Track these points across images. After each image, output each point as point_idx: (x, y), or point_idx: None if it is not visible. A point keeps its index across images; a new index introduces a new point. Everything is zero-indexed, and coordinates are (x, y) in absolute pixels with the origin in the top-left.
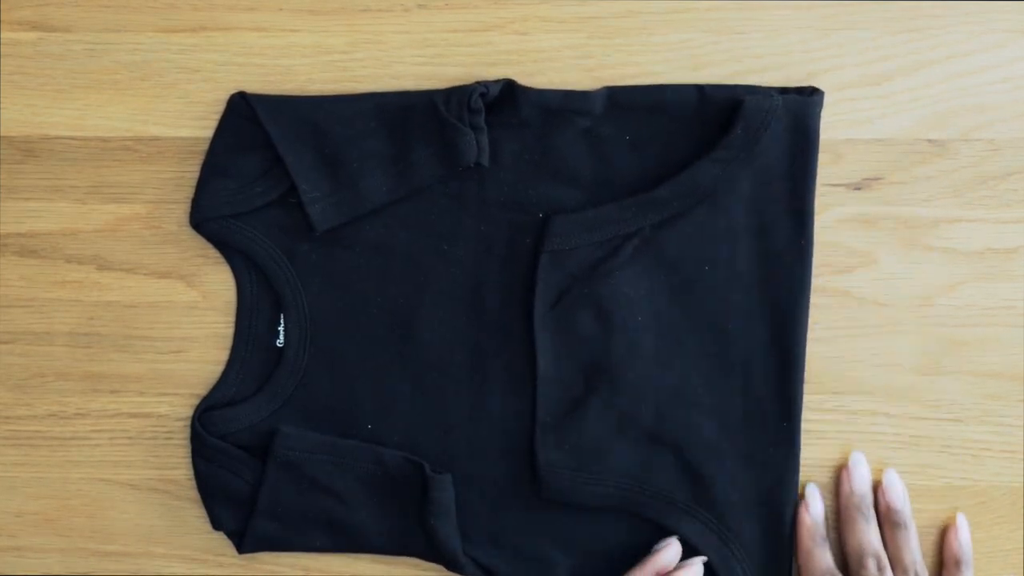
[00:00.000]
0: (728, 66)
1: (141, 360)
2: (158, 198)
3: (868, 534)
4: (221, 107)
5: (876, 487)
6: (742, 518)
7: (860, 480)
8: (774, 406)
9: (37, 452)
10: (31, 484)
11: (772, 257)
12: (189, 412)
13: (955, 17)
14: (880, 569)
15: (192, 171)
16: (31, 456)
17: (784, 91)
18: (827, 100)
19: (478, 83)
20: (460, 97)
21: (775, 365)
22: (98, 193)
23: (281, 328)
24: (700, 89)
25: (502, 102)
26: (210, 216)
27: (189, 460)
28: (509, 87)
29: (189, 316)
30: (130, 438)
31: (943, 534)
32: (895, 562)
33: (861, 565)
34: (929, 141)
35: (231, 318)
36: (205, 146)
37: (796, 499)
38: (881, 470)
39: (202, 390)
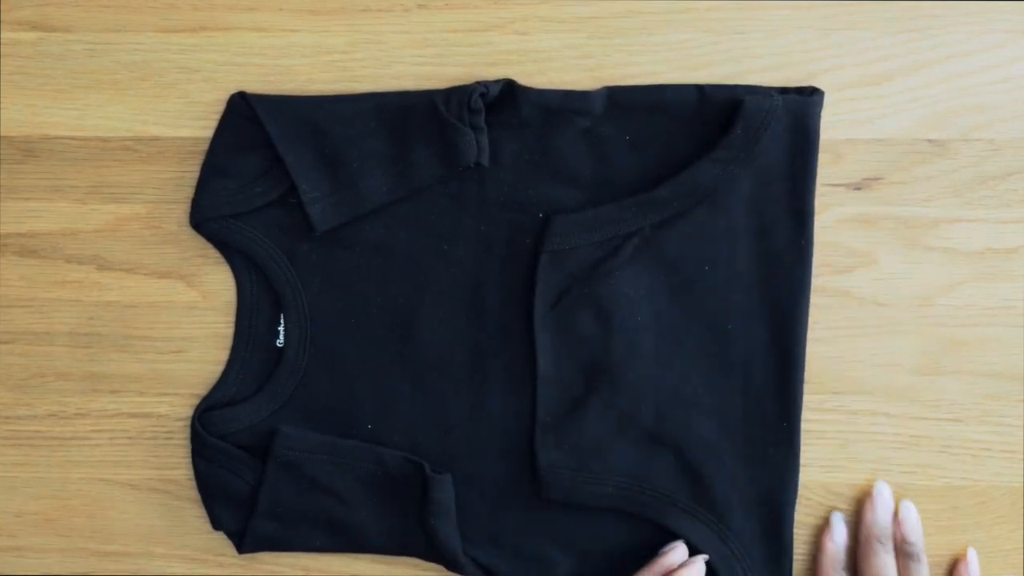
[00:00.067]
0: (728, 66)
1: (141, 360)
2: (158, 198)
3: (887, 566)
4: (221, 107)
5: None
6: (742, 518)
7: (884, 511)
8: (774, 406)
9: (37, 452)
10: (31, 484)
11: (772, 257)
12: (189, 412)
13: (955, 17)
14: None
15: (192, 171)
16: (31, 456)
17: (784, 91)
18: (827, 100)
19: (478, 83)
20: (460, 97)
21: (775, 365)
22: (98, 193)
23: (281, 328)
24: (700, 89)
25: (502, 102)
26: (210, 216)
27: (189, 460)
28: (509, 87)
29: (189, 316)
30: (130, 438)
31: (953, 566)
32: None
33: None
34: (929, 141)
35: (231, 318)
36: (205, 146)
37: (796, 499)
38: (899, 500)
39: (202, 390)
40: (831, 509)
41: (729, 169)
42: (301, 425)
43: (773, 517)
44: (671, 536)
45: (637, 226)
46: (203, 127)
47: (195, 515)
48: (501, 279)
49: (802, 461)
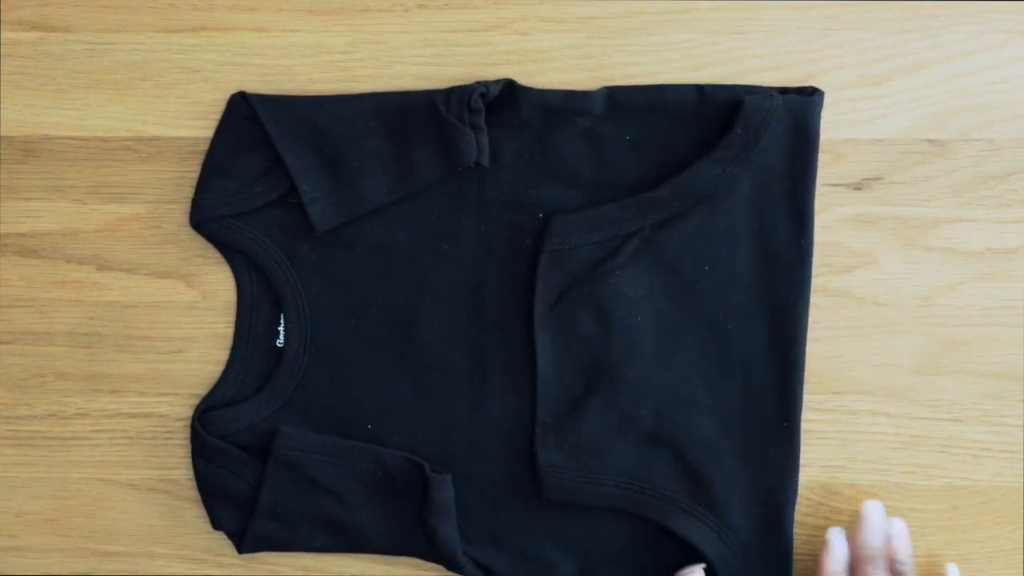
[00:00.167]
0: (728, 66)
1: (141, 360)
2: (158, 198)
3: None
4: (221, 107)
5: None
6: (742, 518)
7: (873, 531)
8: (774, 406)
9: (37, 452)
10: (31, 484)
11: (772, 257)
12: (189, 412)
13: (955, 17)
14: None
15: (192, 171)
16: (31, 456)
17: (784, 91)
18: (827, 100)
19: (478, 83)
20: (460, 97)
21: (775, 365)
22: (98, 193)
23: (281, 328)
24: (700, 89)
25: (502, 102)
26: (210, 216)
27: (189, 460)
28: (509, 87)
29: (189, 316)
30: (130, 438)
31: None
32: None
33: None
34: (929, 141)
35: (231, 318)
36: (205, 146)
37: (796, 499)
38: (891, 517)
39: (202, 390)
40: (831, 509)
41: (729, 169)
42: (301, 425)
43: (773, 517)
44: (671, 536)
45: (637, 226)
46: (203, 127)
47: (195, 515)
48: (501, 279)
49: (802, 461)
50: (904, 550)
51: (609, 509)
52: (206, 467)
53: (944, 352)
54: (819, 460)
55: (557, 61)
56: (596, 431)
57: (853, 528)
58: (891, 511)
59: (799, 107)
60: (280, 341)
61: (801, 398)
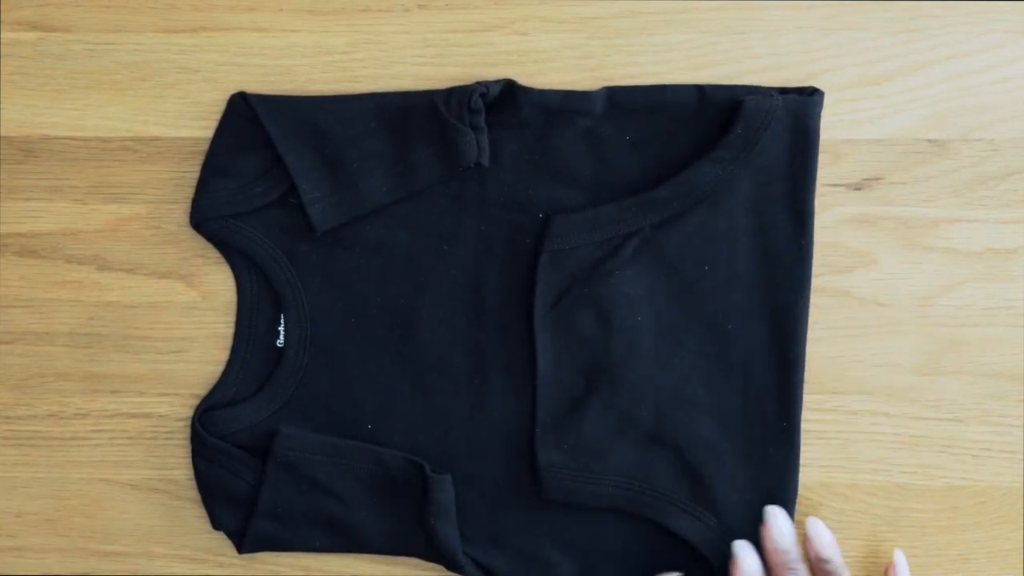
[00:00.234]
0: (728, 66)
1: (141, 360)
2: (158, 198)
3: None
4: (221, 107)
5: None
6: (742, 518)
7: (780, 535)
8: (774, 406)
9: (37, 452)
10: (31, 484)
11: (772, 257)
12: (189, 412)
13: (955, 17)
14: None
15: (192, 171)
16: (31, 456)
17: (784, 91)
18: (827, 100)
19: (478, 83)
20: (460, 97)
21: (775, 365)
22: (98, 193)
23: (281, 328)
24: (700, 89)
25: (502, 102)
26: (210, 216)
27: (189, 460)
28: (509, 87)
29: (189, 316)
30: (130, 438)
31: (884, 572)
32: None
33: None
34: (929, 141)
35: (231, 318)
36: (205, 146)
37: (796, 499)
38: (804, 521)
39: (202, 390)
40: (831, 509)
41: (729, 169)
42: (301, 425)
43: None
44: (671, 536)
45: (637, 226)
46: (203, 127)
47: (195, 515)
48: (501, 279)
49: (802, 461)
50: (826, 548)
51: (609, 509)
52: (206, 467)
53: (944, 352)
54: (819, 460)
55: (557, 61)
56: (596, 431)
57: (760, 536)
58: (891, 511)
59: (799, 107)
60: (280, 341)
61: (801, 398)
